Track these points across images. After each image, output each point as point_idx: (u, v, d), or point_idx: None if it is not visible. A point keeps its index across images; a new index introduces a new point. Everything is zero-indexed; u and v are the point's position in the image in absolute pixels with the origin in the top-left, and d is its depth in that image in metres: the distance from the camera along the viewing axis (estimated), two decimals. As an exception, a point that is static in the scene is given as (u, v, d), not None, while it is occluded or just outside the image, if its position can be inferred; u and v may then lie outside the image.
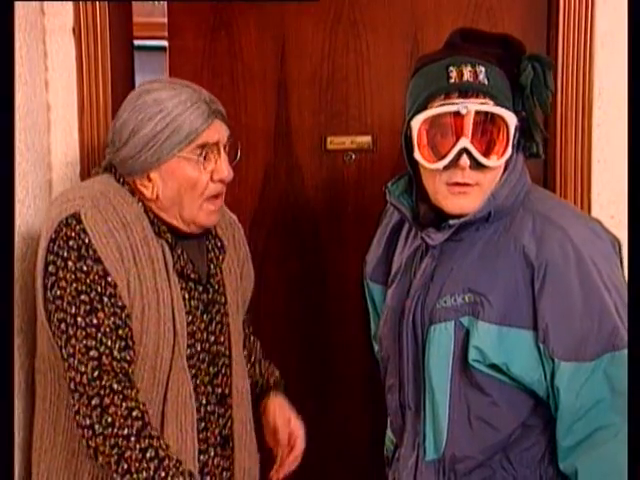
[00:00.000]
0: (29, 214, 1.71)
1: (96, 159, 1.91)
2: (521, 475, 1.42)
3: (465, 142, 1.35)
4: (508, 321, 1.36)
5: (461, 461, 1.43)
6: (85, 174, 1.89)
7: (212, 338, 1.59)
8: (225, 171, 1.53)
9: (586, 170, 1.94)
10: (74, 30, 1.90)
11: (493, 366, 1.38)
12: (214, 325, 1.59)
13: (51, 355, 1.51)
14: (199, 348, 1.56)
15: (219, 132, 1.52)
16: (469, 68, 1.38)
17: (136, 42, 2.18)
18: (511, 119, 1.37)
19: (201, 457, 1.54)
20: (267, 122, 2.12)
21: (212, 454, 1.57)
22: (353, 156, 2.12)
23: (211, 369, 1.58)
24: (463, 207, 1.40)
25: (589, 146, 1.94)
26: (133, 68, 2.16)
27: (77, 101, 1.91)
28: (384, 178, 1.55)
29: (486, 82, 1.37)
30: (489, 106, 1.36)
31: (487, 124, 1.37)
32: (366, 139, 2.10)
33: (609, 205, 1.95)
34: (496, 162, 1.38)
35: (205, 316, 1.57)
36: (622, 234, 1.89)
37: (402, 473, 1.51)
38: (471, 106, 1.35)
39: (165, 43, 2.14)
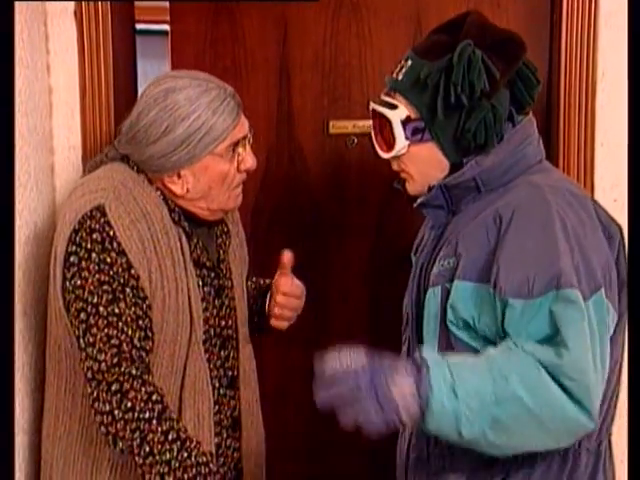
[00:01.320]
0: (31, 198, 1.71)
1: (98, 143, 1.90)
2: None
3: (372, 136, 1.53)
4: (480, 279, 1.38)
5: None
6: (87, 158, 1.89)
7: (223, 322, 1.61)
8: (250, 161, 1.57)
9: (589, 153, 1.94)
10: (75, 13, 1.89)
11: (464, 324, 1.39)
12: (224, 310, 1.62)
13: (67, 342, 1.52)
14: (212, 333, 1.59)
15: (245, 125, 1.56)
16: (402, 62, 1.49)
17: (138, 26, 2.17)
18: (393, 117, 1.45)
19: (215, 439, 1.56)
20: (269, 106, 2.11)
21: (225, 436, 1.60)
22: (355, 140, 2.12)
23: (222, 353, 1.61)
24: (407, 190, 1.53)
25: (592, 129, 1.93)
26: (135, 52, 2.15)
27: (79, 85, 1.91)
28: (386, 162, 1.54)
29: (400, 78, 1.46)
30: (374, 104, 1.50)
31: (382, 121, 1.48)
32: (368, 123, 2.06)
33: (612, 189, 1.95)
34: (387, 155, 1.49)
35: (217, 301, 1.59)
36: (625, 218, 1.89)
37: (400, 435, 1.55)
38: (372, 104, 1.51)
39: (167, 27, 2.13)
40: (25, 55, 1.71)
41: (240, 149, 1.55)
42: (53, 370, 1.57)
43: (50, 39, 1.89)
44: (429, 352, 1.32)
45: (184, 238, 1.54)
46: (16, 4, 1.58)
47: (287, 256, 1.67)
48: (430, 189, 1.48)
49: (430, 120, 1.44)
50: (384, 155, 1.50)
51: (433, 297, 1.44)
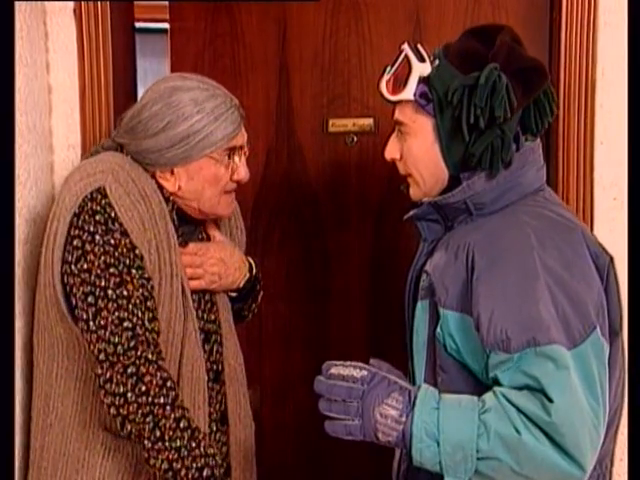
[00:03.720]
0: (31, 196, 1.71)
1: (97, 141, 1.90)
2: None
3: (387, 74, 1.51)
4: (463, 309, 1.36)
5: None
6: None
7: (205, 316, 1.62)
8: (243, 173, 1.59)
9: (588, 152, 1.93)
10: (75, 11, 1.89)
11: (452, 348, 1.39)
12: (204, 304, 1.63)
13: (59, 328, 1.52)
14: (197, 326, 1.59)
15: (244, 137, 1.59)
16: (431, 58, 1.48)
17: (137, 24, 2.17)
18: (415, 67, 1.45)
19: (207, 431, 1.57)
20: (269, 104, 2.11)
21: (214, 429, 1.61)
22: (355, 139, 2.11)
23: (206, 347, 1.62)
24: (410, 195, 1.53)
25: (592, 127, 1.93)
26: (134, 50, 2.15)
27: (78, 83, 1.91)
28: (386, 161, 1.54)
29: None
30: (407, 46, 1.49)
31: (404, 65, 1.49)
32: (368, 121, 2.10)
33: (611, 187, 1.94)
34: (391, 96, 1.48)
35: (195, 295, 1.60)
36: (624, 217, 1.90)
37: None
38: (405, 45, 1.50)
39: (166, 25, 2.13)
40: (24, 53, 1.71)
41: (236, 158, 1.57)
42: (42, 357, 1.57)
43: (50, 37, 1.89)
44: (423, 391, 1.30)
45: (173, 227, 1.55)
46: (16, 2, 1.58)
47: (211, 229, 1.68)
48: (421, 204, 1.48)
49: (444, 133, 1.43)
50: (388, 95, 1.48)
51: (421, 311, 1.45)
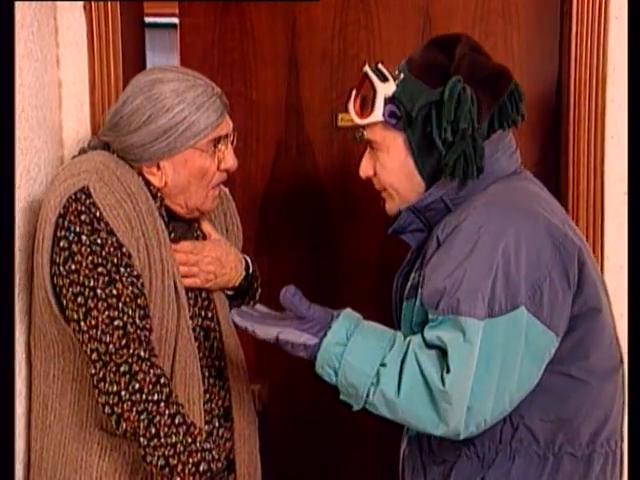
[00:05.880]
0: (41, 191, 1.72)
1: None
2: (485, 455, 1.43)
3: (352, 98, 1.54)
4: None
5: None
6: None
7: (203, 313, 1.62)
8: (231, 161, 1.58)
9: (599, 146, 1.93)
10: (85, 7, 1.90)
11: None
12: (200, 301, 1.62)
13: (53, 330, 1.52)
14: (194, 323, 1.59)
15: (229, 125, 1.57)
16: (395, 72, 1.49)
17: (147, 19, 2.17)
18: (379, 88, 1.46)
19: (206, 427, 1.57)
20: (278, 99, 2.11)
21: (216, 425, 1.61)
22: (364, 133, 2.11)
23: (207, 343, 1.62)
24: (386, 210, 1.56)
25: (602, 122, 1.92)
26: (144, 45, 2.16)
27: (88, 78, 1.92)
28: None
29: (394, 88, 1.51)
30: (368, 68, 1.49)
31: (368, 87, 1.50)
32: (377, 116, 2.09)
33: (622, 181, 1.94)
34: (360, 120, 1.51)
35: (190, 293, 1.60)
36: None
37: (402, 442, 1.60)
38: (366, 67, 1.50)
39: (176, 20, 2.13)
40: (35, 48, 1.71)
41: (222, 146, 1.56)
42: (39, 359, 1.57)
43: (60, 32, 1.89)
44: (337, 324, 1.39)
45: (163, 224, 1.55)
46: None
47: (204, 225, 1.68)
48: (400, 212, 1.50)
49: (416, 147, 1.45)
50: (357, 119, 1.51)
51: (407, 310, 1.47)
